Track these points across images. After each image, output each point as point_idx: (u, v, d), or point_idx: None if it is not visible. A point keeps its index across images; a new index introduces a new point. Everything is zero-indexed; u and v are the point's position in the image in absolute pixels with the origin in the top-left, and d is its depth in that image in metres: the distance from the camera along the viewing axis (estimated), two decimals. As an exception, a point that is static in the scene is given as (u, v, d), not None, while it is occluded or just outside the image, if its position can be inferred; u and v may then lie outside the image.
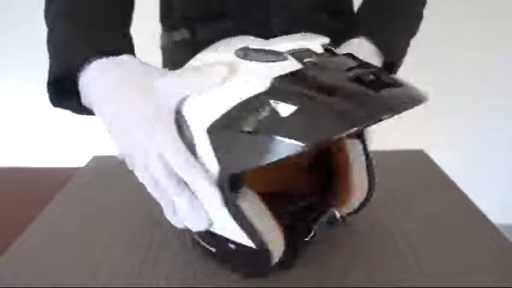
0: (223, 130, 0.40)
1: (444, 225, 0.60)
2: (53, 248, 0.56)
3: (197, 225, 0.43)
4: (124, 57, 0.45)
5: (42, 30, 0.53)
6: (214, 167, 0.41)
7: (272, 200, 0.47)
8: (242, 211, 0.42)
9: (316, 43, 0.46)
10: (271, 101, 0.39)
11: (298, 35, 0.48)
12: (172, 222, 0.44)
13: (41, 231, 0.60)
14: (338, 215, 0.53)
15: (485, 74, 1.72)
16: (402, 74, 0.60)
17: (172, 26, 0.79)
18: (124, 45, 0.49)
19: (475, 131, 1.81)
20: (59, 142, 1.83)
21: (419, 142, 0.92)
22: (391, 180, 0.63)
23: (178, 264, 0.52)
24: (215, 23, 0.71)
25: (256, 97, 0.40)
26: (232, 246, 0.45)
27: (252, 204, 0.43)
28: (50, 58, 0.49)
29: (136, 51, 0.49)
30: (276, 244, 0.45)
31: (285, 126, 0.38)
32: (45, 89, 0.48)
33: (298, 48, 0.44)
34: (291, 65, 0.42)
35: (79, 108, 0.49)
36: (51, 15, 0.51)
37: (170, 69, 0.46)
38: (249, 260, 0.46)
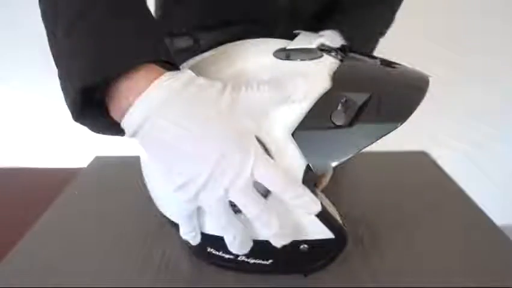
0: (308, 131, 0.41)
1: (447, 226, 0.60)
2: (56, 249, 0.56)
3: (284, 239, 0.40)
4: (187, 73, 0.37)
5: (44, 30, 0.52)
6: (297, 171, 0.41)
7: None
8: (323, 205, 0.42)
9: (323, 40, 0.48)
10: (344, 93, 0.41)
11: (302, 35, 0.49)
12: (235, 251, 0.41)
13: (43, 232, 0.61)
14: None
15: (486, 74, 1.71)
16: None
17: (171, 33, 0.73)
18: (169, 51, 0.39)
19: (476, 131, 1.80)
20: (61, 142, 1.83)
21: (420, 143, 0.91)
22: (393, 181, 0.63)
23: (182, 265, 0.52)
24: (219, 32, 0.67)
25: (327, 93, 0.41)
26: (305, 246, 0.45)
27: (319, 196, 0.45)
28: (73, 58, 0.36)
29: None
30: (344, 229, 0.46)
31: (370, 112, 0.40)
32: (48, 85, 0.39)
33: (322, 45, 0.47)
34: (331, 60, 0.45)
35: (102, 126, 0.40)
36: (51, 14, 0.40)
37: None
38: (323, 254, 0.47)
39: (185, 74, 0.37)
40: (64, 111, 0.52)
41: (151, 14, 0.40)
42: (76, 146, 1.81)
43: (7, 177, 0.89)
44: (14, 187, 0.85)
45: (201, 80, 0.38)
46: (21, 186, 0.87)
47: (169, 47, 0.42)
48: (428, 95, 0.59)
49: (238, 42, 0.50)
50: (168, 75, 0.36)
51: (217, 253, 0.47)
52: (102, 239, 0.58)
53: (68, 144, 1.83)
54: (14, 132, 1.85)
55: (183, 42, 0.70)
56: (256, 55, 0.46)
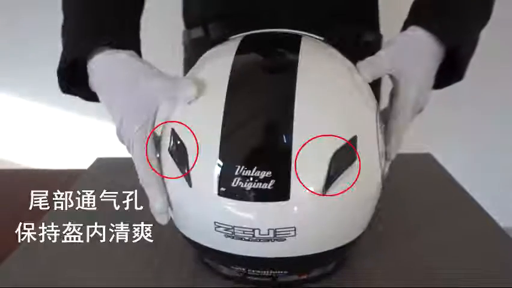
0: None
1: (450, 228, 0.60)
2: (57, 250, 0.56)
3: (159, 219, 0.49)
4: (122, 55, 0.48)
5: (44, 30, 0.53)
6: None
7: None
8: None
9: None
10: None
11: None
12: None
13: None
14: None
15: (488, 75, 1.71)
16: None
17: (190, 23, 0.80)
18: (131, 39, 0.53)
19: (480, 133, 1.80)
20: (62, 144, 1.84)
21: (425, 145, 0.91)
22: (397, 182, 0.62)
23: (184, 268, 0.51)
24: (227, 23, 0.71)
25: None
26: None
27: None
28: (62, 44, 0.52)
29: (162, 47, 0.52)
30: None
31: None
32: (50, 86, 0.52)
33: None
34: None
35: (87, 94, 0.51)
36: (66, 3, 0.57)
37: (190, 64, 0.51)
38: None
39: (122, 54, 0.48)
40: (65, 113, 0.53)
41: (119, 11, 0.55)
42: (78, 148, 1.81)
43: (8, 178, 0.89)
44: (15, 188, 0.85)
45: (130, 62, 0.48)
46: (22, 187, 0.87)
47: (187, 37, 0.76)
48: (433, 98, 0.59)
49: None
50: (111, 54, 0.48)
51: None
52: (104, 240, 0.57)
53: (69, 146, 1.83)
54: (15, 133, 1.85)
55: (197, 33, 0.75)
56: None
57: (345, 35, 0.71)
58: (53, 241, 0.58)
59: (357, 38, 0.75)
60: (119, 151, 0.56)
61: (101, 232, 0.59)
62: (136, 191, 0.71)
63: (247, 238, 0.40)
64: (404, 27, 0.54)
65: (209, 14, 0.75)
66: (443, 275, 0.50)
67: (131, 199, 0.67)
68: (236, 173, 0.39)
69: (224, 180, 0.40)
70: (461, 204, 0.67)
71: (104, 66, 0.48)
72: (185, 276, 0.50)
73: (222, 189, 0.40)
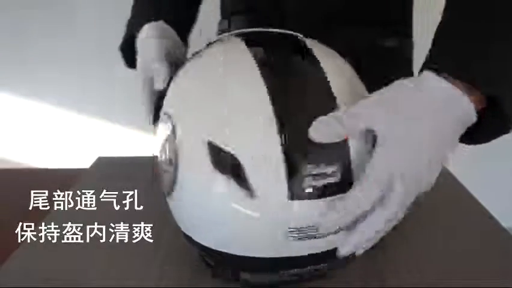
0: None
1: (451, 227, 0.60)
2: (58, 250, 0.56)
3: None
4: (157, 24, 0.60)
5: (44, 30, 0.53)
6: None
7: None
8: None
9: None
10: None
11: None
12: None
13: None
14: None
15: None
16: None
17: (223, 14, 0.84)
18: (170, 14, 0.62)
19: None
20: (64, 143, 1.84)
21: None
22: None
23: (186, 266, 0.51)
24: (244, 17, 0.76)
25: None
26: None
27: None
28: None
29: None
30: None
31: None
32: (51, 86, 0.54)
33: None
34: None
35: None
36: None
37: None
38: None
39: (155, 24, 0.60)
40: (66, 112, 0.52)
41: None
42: (79, 147, 1.81)
43: (9, 178, 0.89)
44: (16, 187, 0.85)
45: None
46: (23, 186, 0.87)
47: (219, 28, 0.83)
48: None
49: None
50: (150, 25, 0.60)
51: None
52: (104, 242, 0.57)
53: (70, 145, 1.83)
54: (16, 132, 1.86)
55: (223, 25, 0.80)
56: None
57: (355, 38, 0.68)
58: (53, 241, 0.58)
59: (370, 43, 0.70)
60: (120, 150, 0.56)
61: (101, 232, 0.59)
62: (136, 190, 0.71)
63: (320, 236, 0.40)
64: (423, 68, 0.41)
65: (234, 6, 0.79)
66: (443, 275, 0.50)
67: (132, 199, 0.67)
68: (306, 173, 0.39)
69: (293, 183, 0.39)
70: (462, 203, 0.66)
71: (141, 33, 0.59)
72: (186, 276, 0.50)
73: (293, 192, 0.39)
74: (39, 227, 0.61)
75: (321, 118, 0.38)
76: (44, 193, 0.68)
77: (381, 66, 0.45)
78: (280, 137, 0.39)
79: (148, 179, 0.72)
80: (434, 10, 0.56)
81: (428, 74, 0.39)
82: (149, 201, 0.66)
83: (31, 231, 0.60)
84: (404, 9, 0.73)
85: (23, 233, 0.58)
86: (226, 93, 0.42)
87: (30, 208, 0.65)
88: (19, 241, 0.57)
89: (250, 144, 0.40)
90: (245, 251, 0.43)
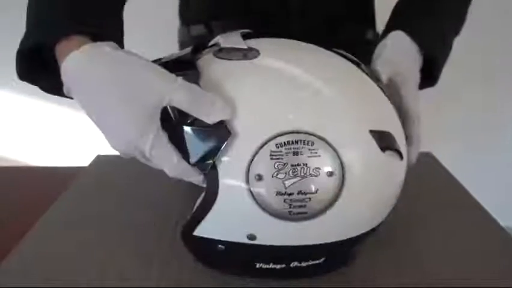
0: None
1: (451, 227, 0.60)
2: (57, 249, 0.56)
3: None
4: (107, 48, 0.41)
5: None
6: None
7: None
8: None
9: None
10: None
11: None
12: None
13: (44, 231, 0.60)
14: None
15: (489, 75, 1.71)
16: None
17: (189, 20, 0.79)
18: (112, 29, 0.46)
19: (481, 132, 1.80)
20: (62, 141, 1.83)
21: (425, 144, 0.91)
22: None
23: (186, 264, 0.51)
24: (232, 21, 0.71)
25: None
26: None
27: None
28: (27, 24, 0.45)
29: (153, 45, 0.48)
30: None
31: None
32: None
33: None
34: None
35: (49, 85, 0.45)
36: None
37: None
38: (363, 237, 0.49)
39: (102, 46, 0.41)
40: (65, 110, 0.52)
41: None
42: (78, 145, 1.81)
43: (8, 176, 0.89)
44: (15, 186, 0.84)
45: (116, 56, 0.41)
46: (22, 184, 0.87)
47: (185, 34, 0.74)
48: (433, 98, 0.59)
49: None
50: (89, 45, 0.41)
51: (268, 266, 0.47)
52: (103, 239, 0.57)
53: (69, 143, 1.83)
54: (15, 130, 1.85)
55: (198, 30, 0.75)
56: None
57: (353, 33, 0.71)
58: (53, 240, 0.58)
59: (361, 37, 0.75)
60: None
61: (101, 232, 0.59)
62: (135, 189, 0.71)
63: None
64: (387, 30, 0.57)
65: (213, 10, 0.75)
66: (443, 274, 0.50)
67: (131, 198, 0.67)
68: None
69: None
70: (462, 203, 0.67)
71: (86, 63, 0.40)
72: (186, 276, 0.50)
73: None
74: (39, 226, 0.61)
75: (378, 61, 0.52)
76: (44, 191, 0.68)
77: (366, 57, 0.52)
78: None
79: (148, 178, 0.73)
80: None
81: (402, 34, 0.55)
82: (149, 200, 0.66)
83: (31, 230, 0.60)
84: (373, 5, 0.79)
85: (22, 231, 0.59)
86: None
87: (30, 206, 0.65)
88: (19, 240, 0.57)
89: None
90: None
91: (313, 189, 0.41)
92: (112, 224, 0.61)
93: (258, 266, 0.47)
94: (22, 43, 0.43)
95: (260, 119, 0.41)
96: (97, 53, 0.40)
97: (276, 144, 0.40)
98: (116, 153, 0.44)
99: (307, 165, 0.40)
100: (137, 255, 0.54)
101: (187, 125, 0.41)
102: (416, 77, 0.54)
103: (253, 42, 0.47)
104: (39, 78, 0.45)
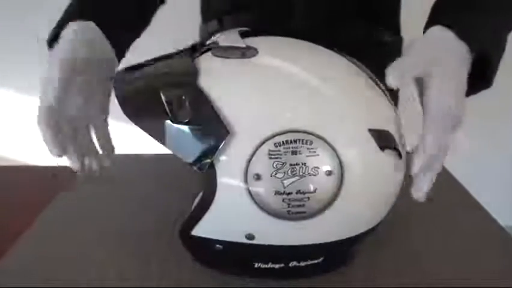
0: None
1: (450, 226, 0.60)
2: (55, 249, 0.56)
3: None
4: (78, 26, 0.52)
5: (45, 30, 0.52)
6: None
7: None
8: None
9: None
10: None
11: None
12: None
13: (42, 231, 0.60)
14: None
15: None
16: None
17: (207, 17, 0.81)
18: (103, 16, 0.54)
19: (478, 131, 1.80)
20: (62, 140, 1.83)
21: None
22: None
23: (185, 263, 0.51)
24: (240, 15, 0.73)
25: None
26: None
27: None
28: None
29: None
30: None
31: None
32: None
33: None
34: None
35: None
36: None
37: None
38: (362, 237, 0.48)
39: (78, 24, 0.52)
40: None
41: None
42: (77, 144, 1.80)
43: (6, 175, 0.89)
44: (13, 185, 0.84)
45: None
46: (20, 183, 0.87)
47: (204, 31, 0.80)
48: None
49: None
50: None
51: (266, 266, 0.46)
52: (102, 239, 0.57)
53: (69, 142, 1.82)
54: (13, 129, 1.85)
55: (213, 27, 0.77)
56: None
57: (356, 33, 0.70)
58: (51, 240, 0.58)
59: (369, 37, 0.74)
60: (119, 148, 0.56)
61: (101, 231, 0.59)
62: (135, 188, 0.71)
63: None
64: (426, 29, 0.50)
65: (226, 6, 0.76)
66: (443, 274, 0.50)
67: (130, 197, 0.67)
68: None
69: None
70: (462, 203, 0.66)
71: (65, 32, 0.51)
72: (186, 276, 0.50)
73: None
74: (36, 226, 0.61)
75: (392, 64, 0.44)
76: (42, 190, 0.68)
77: (378, 59, 0.47)
78: None
79: (147, 177, 0.73)
80: (421, 6, 0.59)
81: (449, 33, 0.48)
82: (148, 199, 0.66)
83: (30, 229, 0.59)
84: (394, 4, 0.78)
85: (21, 230, 0.58)
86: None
87: (29, 205, 0.65)
88: (17, 240, 0.57)
89: None
90: None
91: (312, 188, 0.40)
92: (111, 223, 0.61)
93: (256, 265, 0.46)
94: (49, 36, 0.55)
95: (258, 118, 0.41)
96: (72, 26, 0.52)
97: (275, 144, 0.40)
98: (115, 152, 0.45)
99: (306, 164, 0.40)
100: (136, 255, 0.54)
101: (184, 123, 0.41)
102: (457, 77, 0.46)
103: (251, 41, 0.46)
104: None
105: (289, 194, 0.40)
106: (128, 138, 0.86)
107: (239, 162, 0.41)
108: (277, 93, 0.42)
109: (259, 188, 0.41)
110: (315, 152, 0.40)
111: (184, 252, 0.50)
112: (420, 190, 0.45)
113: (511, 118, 1.81)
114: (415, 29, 0.56)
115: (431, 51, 0.47)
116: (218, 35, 0.49)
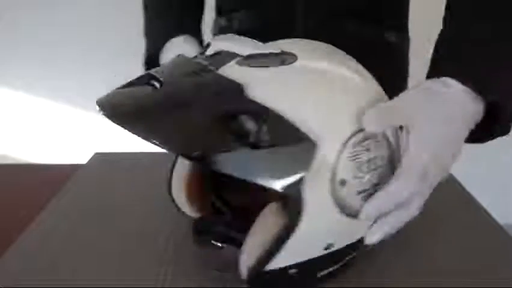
0: None
1: (449, 226, 0.60)
2: (54, 247, 0.56)
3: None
4: (180, 39, 0.65)
5: (44, 29, 0.52)
6: None
7: None
8: None
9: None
10: None
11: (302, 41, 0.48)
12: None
13: (42, 229, 0.60)
14: None
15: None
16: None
17: (219, 12, 0.82)
18: (188, 29, 0.69)
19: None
20: (60, 139, 1.83)
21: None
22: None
23: (185, 262, 0.51)
24: (246, 14, 0.75)
25: None
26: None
27: None
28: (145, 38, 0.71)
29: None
30: None
31: None
32: (48, 81, 0.53)
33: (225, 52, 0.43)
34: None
35: None
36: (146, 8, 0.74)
37: None
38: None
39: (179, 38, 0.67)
40: (64, 108, 0.52)
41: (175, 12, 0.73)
42: (76, 142, 1.80)
43: (5, 174, 0.89)
44: (13, 183, 0.84)
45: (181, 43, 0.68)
46: (19, 182, 0.87)
47: (216, 26, 0.82)
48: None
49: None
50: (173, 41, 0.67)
51: (328, 270, 0.45)
52: (101, 237, 0.57)
53: (67, 140, 1.82)
54: (13, 128, 1.85)
55: (223, 22, 0.79)
56: None
57: (361, 33, 0.69)
58: (51, 239, 0.57)
59: (378, 38, 0.73)
60: (118, 146, 0.56)
61: (100, 229, 0.59)
62: (133, 187, 0.71)
63: None
64: (430, 76, 0.45)
65: (233, 3, 0.77)
66: (443, 274, 0.50)
67: (130, 195, 0.67)
68: None
69: None
70: (462, 203, 0.66)
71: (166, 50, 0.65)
72: (186, 276, 0.50)
73: None
74: (36, 224, 0.61)
75: (372, 110, 0.40)
76: (42, 188, 0.68)
77: (381, 59, 0.47)
78: None
79: (146, 175, 0.72)
80: (429, 7, 0.58)
81: (448, 80, 0.43)
82: (147, 197, 0.66)
83: (29, 228, 0.59)
84: (402, 4, 0.76)
85: (20, 230, 0.58)
86: None
87: (28, 203, 0.65)
88: (16, 238, 0.57)
89: None
90: None
91: (383, 179, 0.41)
92: (110, 222, 0.61)
93: (319, 275, 0.45)
94: (143, 57, 0.70)
95: (331, 123, 0.39)
96: (173, 43, 0.66)
97: (353, 144, 0.39)
98: (114, 150, 0.44)
99: (376, 156, 0.41)
100: (136, 254, 0.53)
101: (267, 147, 0.37)
102: (436, 142, 0.41)
103: (273, 45, 0.44)
104: None
105: (366, 190, 0.41)
106: (128, 137, 0.86)
107: (326, 173, 0.38)
108: (337, 96, 0.41)
109: (344, 193, 0.39)
110: (378, 142, 0.41)
111: (183, 251, 0.50)
112: (371, 235, 0.42)
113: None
114: (425, 28, 0.54)
115: (424, 104, 0.43)
116: (214, 42, 0.45)
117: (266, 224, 0.42)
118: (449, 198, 0.67)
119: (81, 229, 0.60)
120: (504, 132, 0.46)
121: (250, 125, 0.37)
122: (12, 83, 1.76)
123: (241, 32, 0.48)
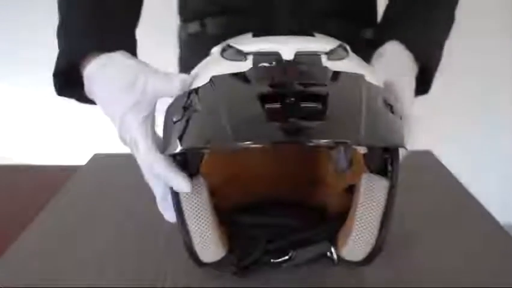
0: (166, 115, 0.44)
1: (450, 225, 0.60)
2: (53, 248, 0.56)
3: (167, 216, 0.47)
4: (117, 55, 0.49)
5: (43, 29, 0.52)
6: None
7: (266, 205, 0.55)
8: (179, 201, 0.44)
9: (313, 46, 0.45)
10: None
11: (308, 37, 0.49)
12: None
13: (41, 230, 0.60)
14: (333, 252, 0.48)
15: (489, 74, 1.71)
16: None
17: (186, 18, 0.80)
18: (124, 43, 0.52)
19: (478, 130, 1.81)
20: (59, 140, 1.83)
21: (424, 142, 0.91)
22: (398, 180, 0.62)
23: (186, 266, 0.51)
24: (223, 18, 0.72)
25: (190, 92, 0.43)
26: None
27: (192, 197, 0.44)
28: (58, 49, 0.52)
29: (155, 42, 0.52)
30: (206, 246, 0.45)
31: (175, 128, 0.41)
32: (47, 82, 0.50)
33: (267, 51, 0.44)
34: (238, 67, 0.42)
35: (82, 98, 0.52)
36: (64, 4, 0.55)
37: (185, 60, 0.52)
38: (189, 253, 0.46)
39: (116, 55, 0.48)
40: (63, 109, 0.52)
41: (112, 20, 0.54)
42: (75, 144, 1.80)
43: (4, 175, 0.89)
44: (12, 184, 0.84)
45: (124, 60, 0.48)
46: (18, 183, 0.87)
47: (183, 32, 0.78)
48: (429, 94, 0.59)
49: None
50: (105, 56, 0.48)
51: None
52: (101, 237, 0.57)
53: (66, 142, 1.82)
54: (12, 129, 1.85)
55: (193, 28, 0.77)
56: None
57: (343, 32, 0.70)
58: (51, 239, 0.57)
59: (356, 36, 0.74)
60: (117, 147, 0.56)
61: (99, 230, 0.59)
62: (132, 187, 0.71)
63: None
64: (380, 35, 0.60)
65: (208, 8, 0.75)
66: (443, 274, 0.50)
67: (129, 196, 0.67)
68: None
69: None
70: (461, 201, 0.66)
71: (100, 72, 0.48)
72: (186, 276, 0.50)
73: None
74: (35, 225, 0.61)
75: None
76: (41, 190, 0.68)
77: (361, 55, 0.50)
78: None
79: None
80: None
81: (402, 48, 0.56)
82: (147, 198, 0.66)
83: (29, 227, 0.59)
84: (373, 3, 0.80)
85: (22, 231, 0.58)
86: None
87: (27, 204, 0.65)
88: (15, 239, 0.57)
89: None
90: None
91: None
92: (110, 222, 0.61)
93: None
94: (56, 66, 0.50)
95: None
96: (110, 59, 0.48)
97: None
98: (113, 151, 0.45)
99: None
100: (136, 254, 0.54)
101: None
102: (411, 85, 0.54)
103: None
104: (74, 92, 0.52)
105: None
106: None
107: None
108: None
109: None
110: None
111: (183, 252, 0.50)
112: None
113: (510, 117, 1.81)
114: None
115: (395, 64, 0.55)
116: (229, 43, 0.47)
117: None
118: (449, 198, 0.67)
119: (81, 229, 0.60)
120: (425, 91, 0.60)
121: (391, 100, 0.44)
122: (12, 84, 1.76)
123: (216, 37, 0.52)
